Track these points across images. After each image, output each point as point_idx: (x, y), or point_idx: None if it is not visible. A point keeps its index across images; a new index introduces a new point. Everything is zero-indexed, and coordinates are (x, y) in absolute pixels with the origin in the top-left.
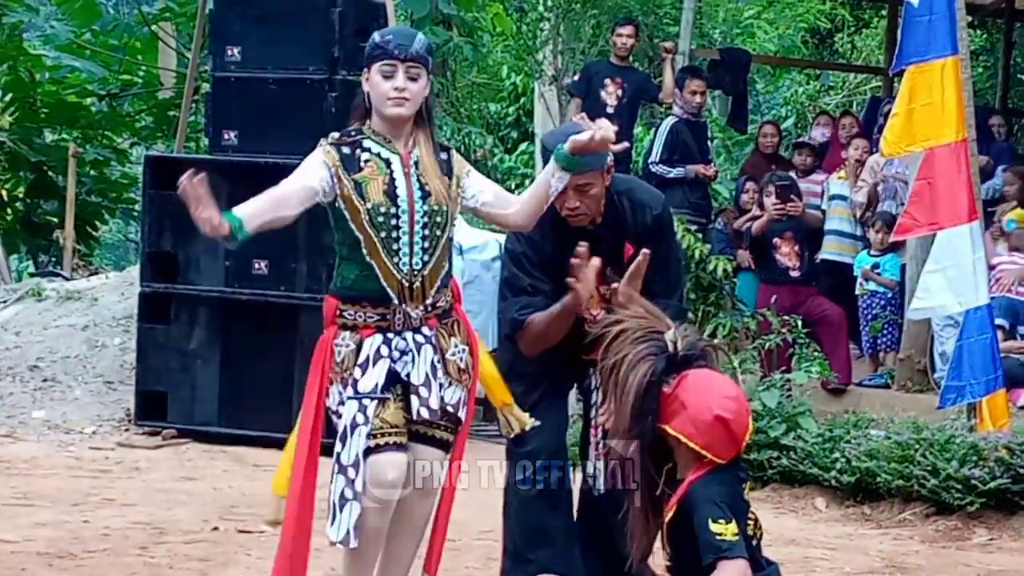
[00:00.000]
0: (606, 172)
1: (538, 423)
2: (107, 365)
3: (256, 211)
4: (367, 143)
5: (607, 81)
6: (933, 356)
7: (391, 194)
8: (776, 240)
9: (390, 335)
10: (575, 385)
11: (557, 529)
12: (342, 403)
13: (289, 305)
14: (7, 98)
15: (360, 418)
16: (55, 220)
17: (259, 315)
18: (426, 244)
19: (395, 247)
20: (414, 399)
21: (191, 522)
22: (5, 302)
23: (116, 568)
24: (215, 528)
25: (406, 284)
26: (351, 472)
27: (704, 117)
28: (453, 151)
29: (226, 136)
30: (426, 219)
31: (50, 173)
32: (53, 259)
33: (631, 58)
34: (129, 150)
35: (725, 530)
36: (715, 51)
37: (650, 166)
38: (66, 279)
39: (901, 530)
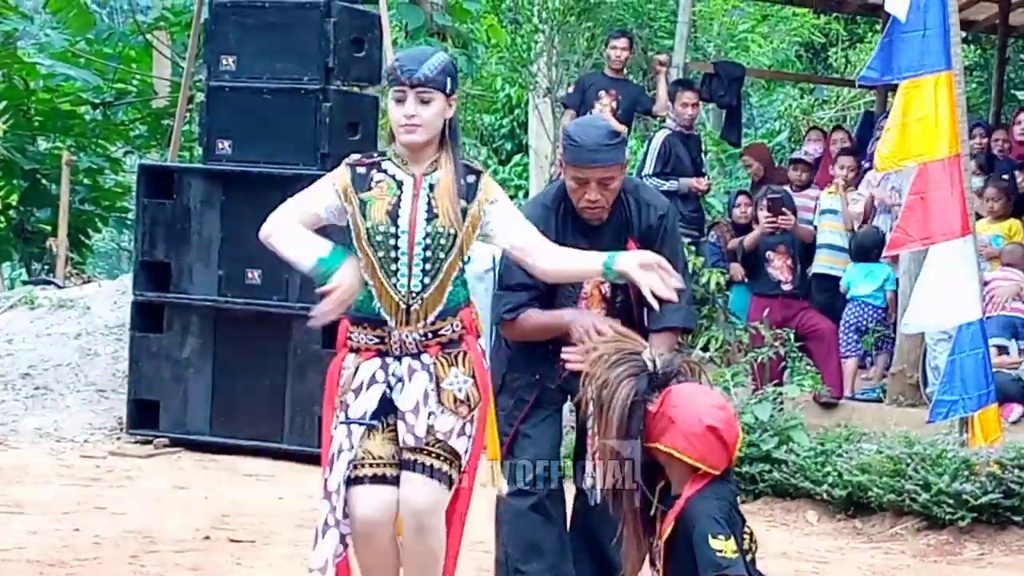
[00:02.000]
0: (624, 168)
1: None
2: (99, 373)
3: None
4: (385, 164)
5: (601, 93)
6: (925, 370)
7: (392, 215)
8: (769, 253)
9: (388, 360)
10: (568, 396)
11: (549, 542)
12: (335, 427)
13: (282, 315)
14: (1, 106)
15: (346, 444)
16: (48, 228)
17: (252, 324)
18: (427, 266)
19: (393, 267)
20: (401, 425)
21: (182, 531)
22: None
23: None
24: (206, 537)
25: (403, 306)
26: (334, 499)
27: (697, 130)
28: (485, 176)
29: (220, 146)
30: (428, 241)
31: (43, 181)
32: (46, 267)
33: (625, 71)
34: (123, 159)
35: (725, 547)
36: (709, 64)
37: (643, 179)
38: (59, 287)
39: (892, 544)
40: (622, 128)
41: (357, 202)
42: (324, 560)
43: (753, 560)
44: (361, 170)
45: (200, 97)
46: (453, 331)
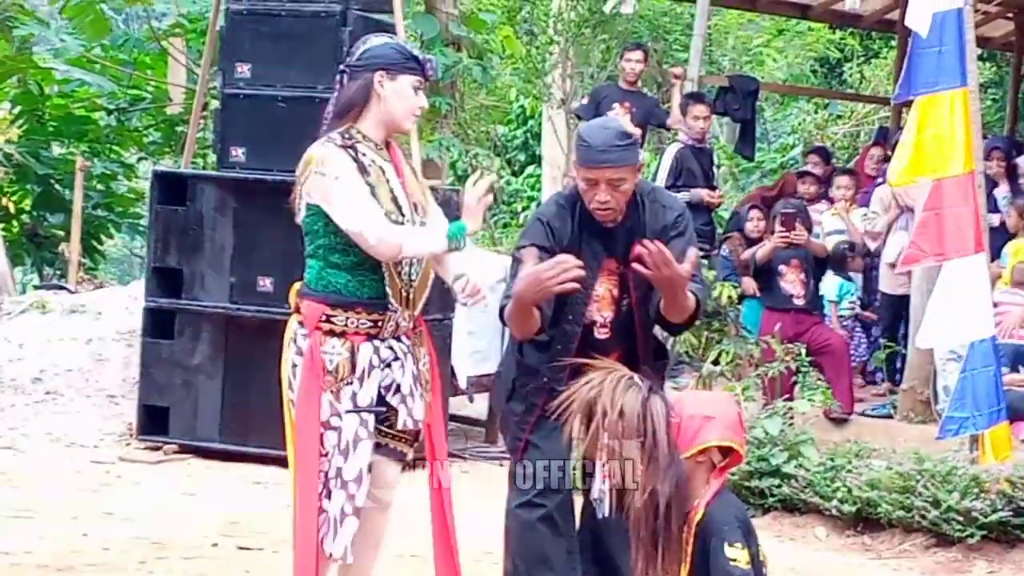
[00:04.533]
0: (636, 170)
1: None
2: (110, 379)
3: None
4: (362, 147)
5: (615, 105)
6: (936, 387)
7: (396, 202)
8: (782, 267)
9: (377, 343)
10: None
11: (558, 555)
12: (336, 415)
13: None
14: (16, 111)
15: (363, 432)
16: (61, 233)
17: (262, 332)
18: None
19: None
20: (403, 409)
21: (191, 538)
22: (9, 314)
23: None
24: (215, 544)
25: (404, 293)
26: (352, 487)
27: (709, 143)
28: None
29: (234, 153)
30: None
31: (57, 186)
32: (58, 272)
33: (640, 83)
34: (136, 165)
35: (739, 557)
36: (724, 78)
37: None
38: (71, 292)
39: (901, 561)
40: (635, 130)
41: (367, 187)
42: (343, 547)
43: (765, 573)
44: (351, 152)
45: (215, 104)
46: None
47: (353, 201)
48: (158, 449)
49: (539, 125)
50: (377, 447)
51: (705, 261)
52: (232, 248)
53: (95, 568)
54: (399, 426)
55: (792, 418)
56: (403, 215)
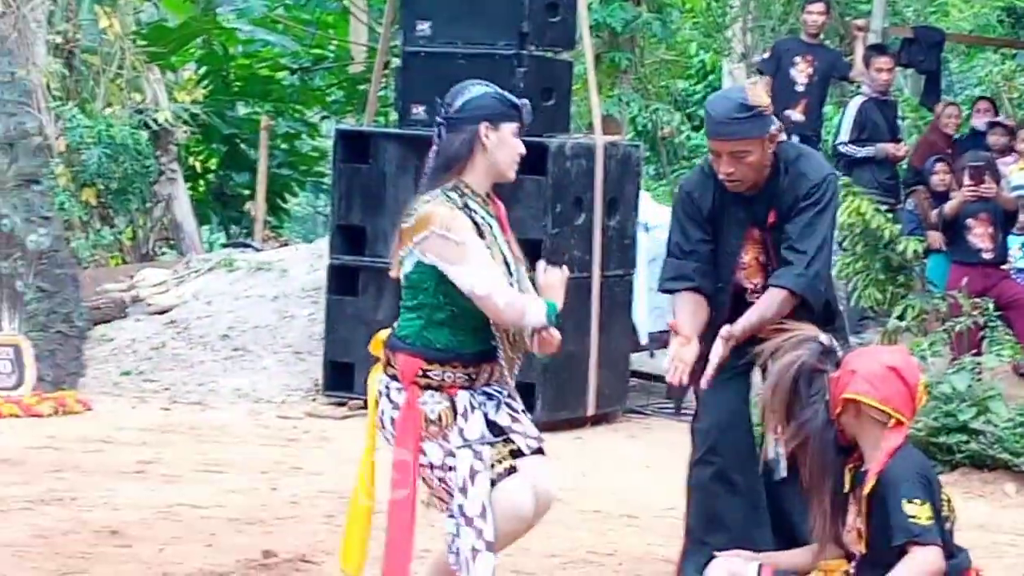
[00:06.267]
0: (768, 140)
1: None
2: (296, 335)
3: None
4: (472, 204)
5: (797, 59)
6: None
7: (506, 262)
8: (969, 221)
9: (473, 391)
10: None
11: (733, 514)
12: (450, 454)
13: None
14: (201, 71)
15: (479, 465)
16: (246, 192)
17: None
18: None
19: None
20: (518, 439)
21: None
22: (197, 272)
23: (303, 535)
24: None
25: (511, 353)
26: (479, 523)
27: (893, 96)
28: None
29: (415, 110)
30: (519, 287)
31: (242, 146)
32: (244, 231)
33: (822, 36)
34: (319, 124)
35: (919, 512)
36: (908, 29)
37: (838, 146)
38: (256, 250)
39: None
40: (762, 101)
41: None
42: None
43: (951, 529)
44: (470, 213)
45: (396, 62)
46: None
47: (482, 266)
48: (344, 404)
49: (719, 80)
50: (516, 455)
51: (891, 215)
52: None
53: (283, 521)
54: (527, 452)
55: (980, 373)
56: (511, 275)
